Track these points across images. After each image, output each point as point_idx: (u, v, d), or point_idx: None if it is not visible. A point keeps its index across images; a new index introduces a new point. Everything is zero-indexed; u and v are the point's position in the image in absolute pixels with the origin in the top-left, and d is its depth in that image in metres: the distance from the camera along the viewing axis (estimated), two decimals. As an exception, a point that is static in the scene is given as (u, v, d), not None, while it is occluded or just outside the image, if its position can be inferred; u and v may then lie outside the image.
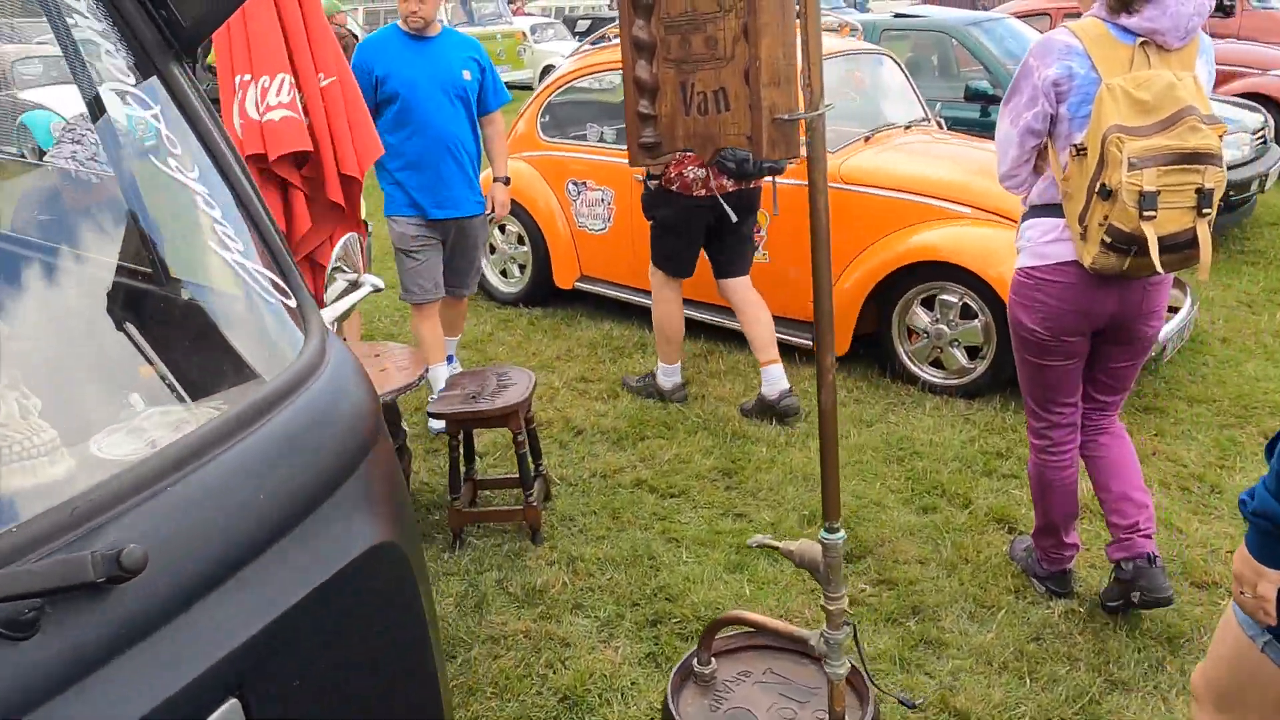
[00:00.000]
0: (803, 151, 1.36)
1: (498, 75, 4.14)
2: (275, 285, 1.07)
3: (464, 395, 3.25)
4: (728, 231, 4.08)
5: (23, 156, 12.47)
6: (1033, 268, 2.49)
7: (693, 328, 5.14)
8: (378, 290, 1.36)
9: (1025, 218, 2.56)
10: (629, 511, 3.43)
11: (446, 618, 2.88)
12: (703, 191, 3.95)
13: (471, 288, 4.32)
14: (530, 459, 3.49)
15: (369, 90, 3.78)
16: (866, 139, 4.71)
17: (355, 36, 7.61)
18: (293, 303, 1.08)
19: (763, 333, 4.14)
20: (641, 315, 5.36)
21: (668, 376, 4.37)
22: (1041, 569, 2.87)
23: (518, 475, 3.46)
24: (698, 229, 4.08)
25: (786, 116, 1.29)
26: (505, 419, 3.21)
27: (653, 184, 4.03)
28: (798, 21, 1.28)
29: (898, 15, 7.97)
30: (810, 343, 4.57)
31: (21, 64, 14.24)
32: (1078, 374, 2.61)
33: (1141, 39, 2.27)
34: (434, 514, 3.47)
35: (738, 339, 4.95)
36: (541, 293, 5.65)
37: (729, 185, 3.95)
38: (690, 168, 3.94)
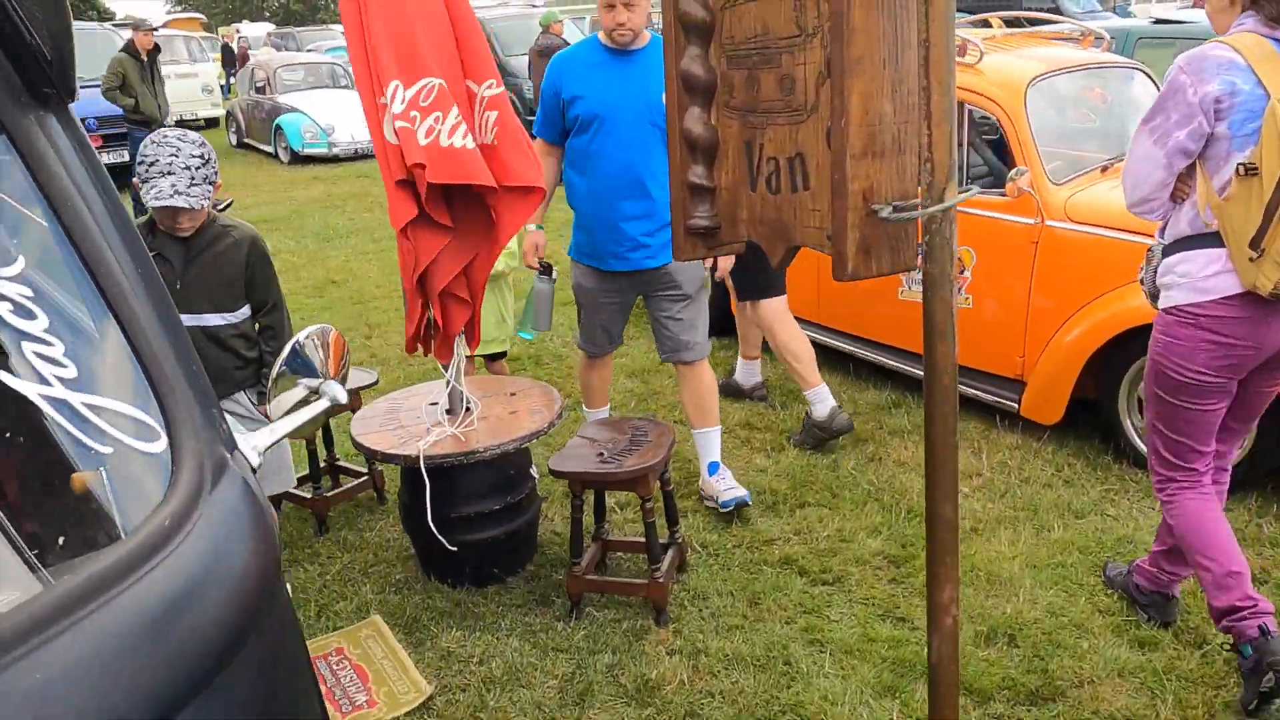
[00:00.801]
0: (918, 264, 0.90)
1: None
2: (126, 424, 0.76)
3: (593, 451, 2.91)
4: None
5: (276, 155, 13.43)
6: (1194, 305, 2.31)
7: (877, 375, 4.58)
8: (338, 407, 1.03)
9: (1170, 250, 2.38)
10: (771, 598, 2.96)
11: (545, 705, 2.55)
12: None
13: (690, 353, 3.39)
14: (666, 524, 3.11)
15: (555, 113, 3.31)
16: (1104, 169, 3.96)
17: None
18: (154, 444, 0.76)
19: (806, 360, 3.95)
20: (832, 358, 4.85)
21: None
22: (1143, 596, 2.77)
23: (662, 540, 3.10)
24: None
25: (888, 211, 0.83)
26: (633, 483, 2.84)
27: None
28: (921, 50, 0.82)
29: (1157, 21, 6.92)
30: (1016, 404, 3.90)
31: (286, 70, 15.45)
32: (1221, 415, 2.44)
33: None
34: (557, 572, 3.16)
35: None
36: (719, 319, 5.24)
37: None
38: None
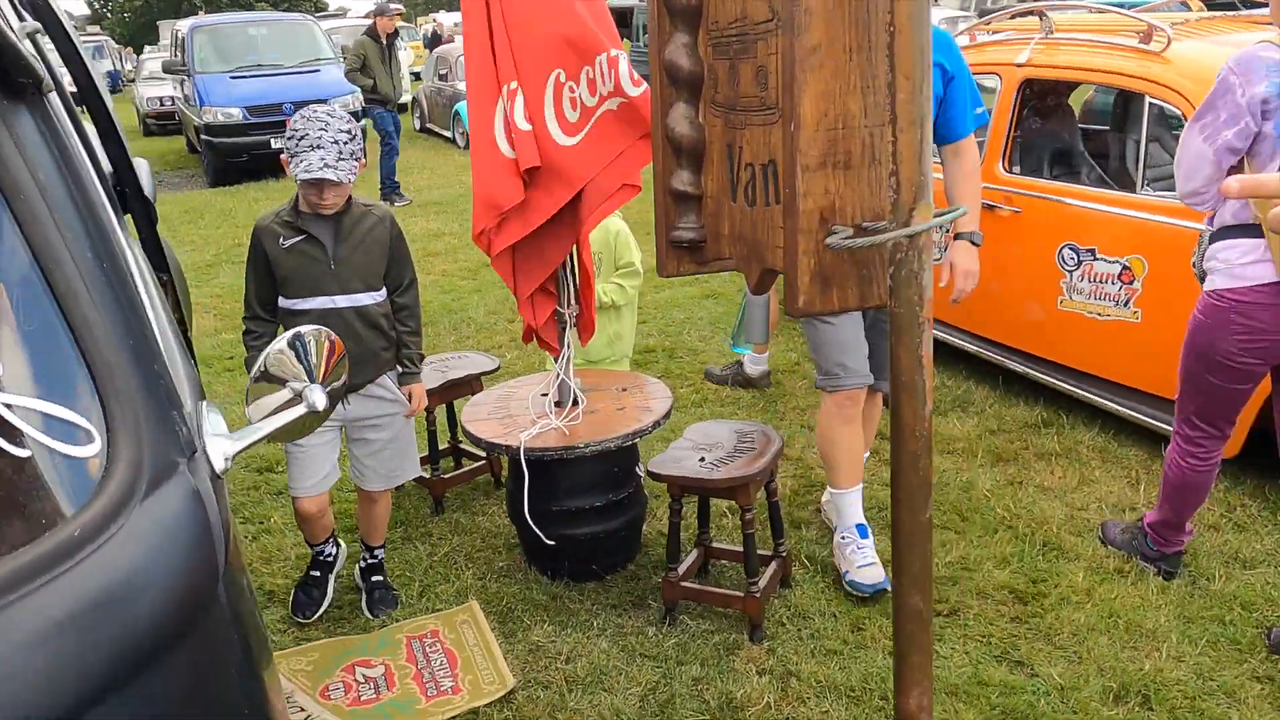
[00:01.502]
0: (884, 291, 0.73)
1: (972, 84, 2.94)
2: (53, 426, 0.73)
3: (694, 455, 2.81)
4: None
5: (454, 140, 13.96)
6: (1230, 290, 2.46)
7: (1029, 391, 4.23)
8: (314, 414, 0.97)
9: (1215, 238, 2.53)
10: (876, 624, 2.77)
11: (624, 712, 2.49)
12: None
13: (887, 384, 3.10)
14: (771, 536, 2.97)
15: None
16: (1310, 171, 3.47)
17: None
18: (85, 448, 0.73)
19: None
20: (979, 369, 4.54)
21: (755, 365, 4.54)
22: (1152, 550, 2.91)
23: (765, 551, 2.98)
24: None
25: (842, 236, 0.67)
26: (732, 491, 2.72)
27: None
28: (885, 36, 0.66)
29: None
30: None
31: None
32: (1249, 395, 2.60)
33: None
34: (657, 575, 3.08)
35: (1085, 410, 3.97)
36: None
37: None
38: None
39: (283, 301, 2.68)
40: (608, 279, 3.53)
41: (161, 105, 17.02)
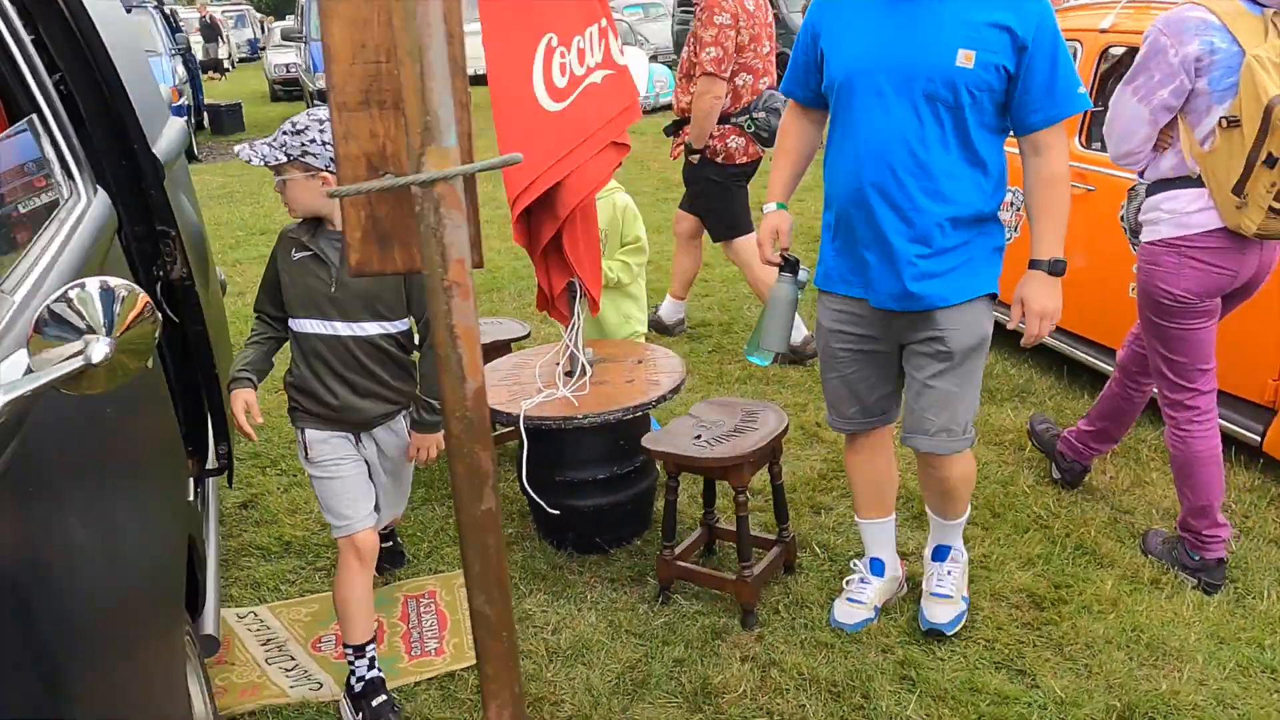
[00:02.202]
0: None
1: (1062, 59, 2.18)
2: None
3: (691, 432, 2.73)
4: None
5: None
6: (1179, 237, 2.56)
7: (1094, 381, 3.95)
8: (90, 367, 0.94)
9: (1154, 189, 2.64)
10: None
11: (596, 689, 2.45)
12: (744, 159, 4.31)
13: (930, 440, 2.40)
14: (776, 520, 2.86)
15: (807, 64, 2.40)
16: None
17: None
18: None
19: None
20: (1044, 358, 4.28)
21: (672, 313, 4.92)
22: (1192, 560, 2.74)
23: (768, 535, 2.89)
24: (740, 190, 4.42)
25: (362, 185, 0.56)
26: (724, 471, 2.63)
27: (694, 158, 4.31)
28: None
29: None
30: (1259, 437, 3.19)
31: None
32: (1214, 334, 2.66)
33: (1272, 9, 2.39)
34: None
35: (1151, 406, 3.68)
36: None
37: (759, 152, 4.32)
38: (731, 138, 4.25)
39: (290, 319, 2.34)
40: (613, 255, 3.46)
41: (287, 71, 17.71)
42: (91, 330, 0.97)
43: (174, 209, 2.59)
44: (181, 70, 12.27)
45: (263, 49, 25.00)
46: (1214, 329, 2.65)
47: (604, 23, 2.53)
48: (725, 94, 4.12)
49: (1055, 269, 2.29)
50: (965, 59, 2.13)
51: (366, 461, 2.42)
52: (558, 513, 2.90)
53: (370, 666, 2.40)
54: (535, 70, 2.50)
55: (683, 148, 4.35)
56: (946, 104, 2.17)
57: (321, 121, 2.21)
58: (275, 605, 2.87)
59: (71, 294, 0.96)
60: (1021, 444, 3.59)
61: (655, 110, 12.34)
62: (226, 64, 24.02)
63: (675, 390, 2.94)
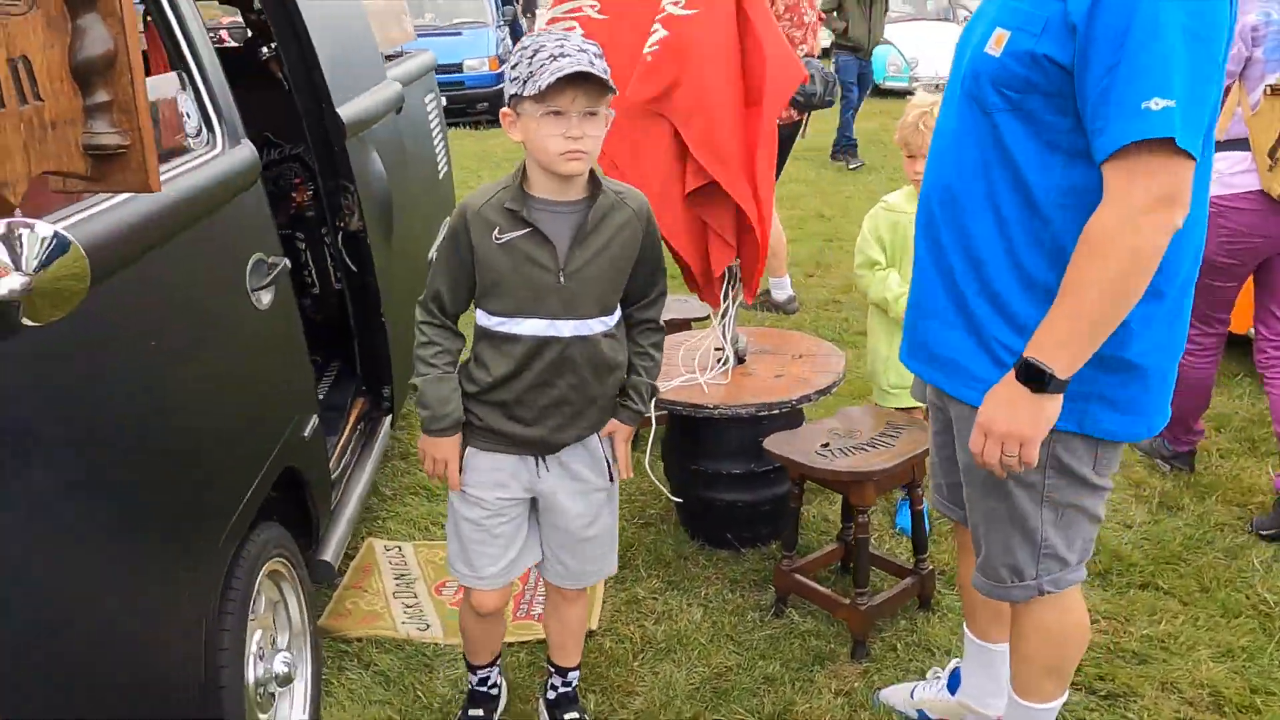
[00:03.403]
0: None
1: (1140, 50, 1.32)
2: None
3: (820, 438, 2.51)
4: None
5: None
6: (1218, 196, 2.56)
7: None
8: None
9: None
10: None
11: (674, 689, 2.35)
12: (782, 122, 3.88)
13: (982, 584, 1.80)
14: (912, 548, 2.58)
15: None
16: None
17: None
18: None
19: None
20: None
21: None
22: (1168, 449, 3.21)
23: (904, 564, 2.63)
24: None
25: None
26: (844, 486, 2.40)
27: None
28: None
29: None
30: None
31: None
32: (1235, 294, 2.97)
33: None
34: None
35: None
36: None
37: (795, 116, 4.29)
38: None
39: (482, 316, 1.88)
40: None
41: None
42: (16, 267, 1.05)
43: (357, 166, 2.79)
44: (509, 40, 13.27)
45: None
46: (1238, 289, 2.95)
47: None
48: None
49: (1029, 374, 1.45)
50: (995, 44, 1.48)
51: (537, 496, 1.98)
52: (679, 500, 2.82)
53: (483, 683, 2.23)
54: None
55: None
56: (982, 109, 1.52)
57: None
58: (419, 544, 3.05)
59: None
60: (1268, 507, 2.95)
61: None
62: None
63: (824, 392, 2.73)
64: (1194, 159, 1.36)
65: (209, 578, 1.75)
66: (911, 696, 2.26)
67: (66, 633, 1.33)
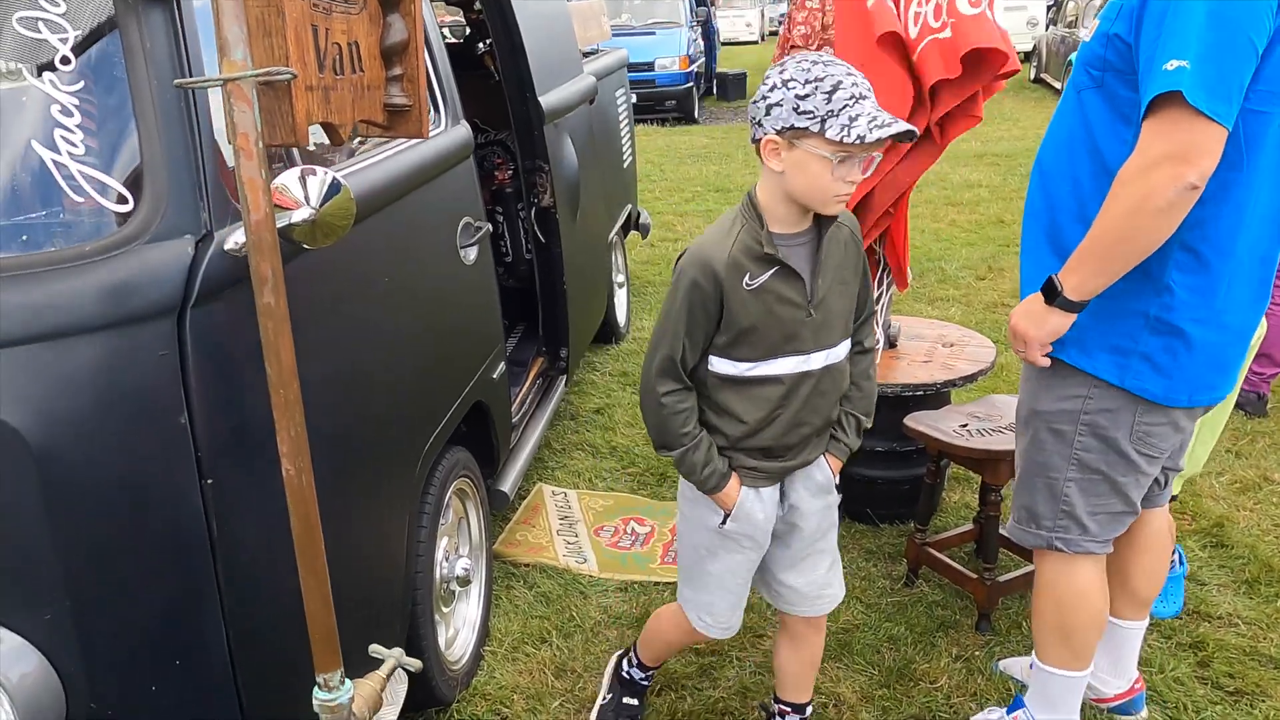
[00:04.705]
0: None
1: (1177, 19, 1.50)
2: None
3: (960, 418, 2.64)
4: None
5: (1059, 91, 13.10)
6: None
7: None
8: (292, 225, 1.33)
9: None
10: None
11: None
12: None
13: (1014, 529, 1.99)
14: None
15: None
16: None
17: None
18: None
19: None
20: None
21: None
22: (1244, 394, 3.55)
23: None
24: None
25: None
26: (979, 464, 2.52)
27: None
28: None
29: None
30: None
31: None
32: None
33: None
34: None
35: None
36: None
37: None
38: None
39: (725, 365, 1.74)
40: None
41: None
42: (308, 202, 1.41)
43: (551, 149, 3.15)
44: (700, 41, 13.62)
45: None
46: None
47: None
48: None
49: (1045, 287, 1.72)
50: (1088, 33, 1.73)
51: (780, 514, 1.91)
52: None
53: (646, 678, 2.27)
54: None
55: None
56: (1075, 90, 1.75)
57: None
58: (583, 492, 3.38)
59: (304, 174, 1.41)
60: None
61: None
62: (754, 36, 25.75)
63: (970, 379, 2.84)
64: (1214, 121, 1.48)
65: (411, 487, 2.10)
66: (1031, 668, 2.36)
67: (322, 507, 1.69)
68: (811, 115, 1.56)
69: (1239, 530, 2.94)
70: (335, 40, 0.99)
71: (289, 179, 1.40)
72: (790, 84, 1.58)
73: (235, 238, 1.40)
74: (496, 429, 2.67)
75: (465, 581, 2.45)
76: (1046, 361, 1.80)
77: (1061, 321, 1.72)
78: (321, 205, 1.42)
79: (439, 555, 2.35)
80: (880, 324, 3.02)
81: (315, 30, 0.94)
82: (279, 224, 1.36)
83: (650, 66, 11.82)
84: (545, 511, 3.26)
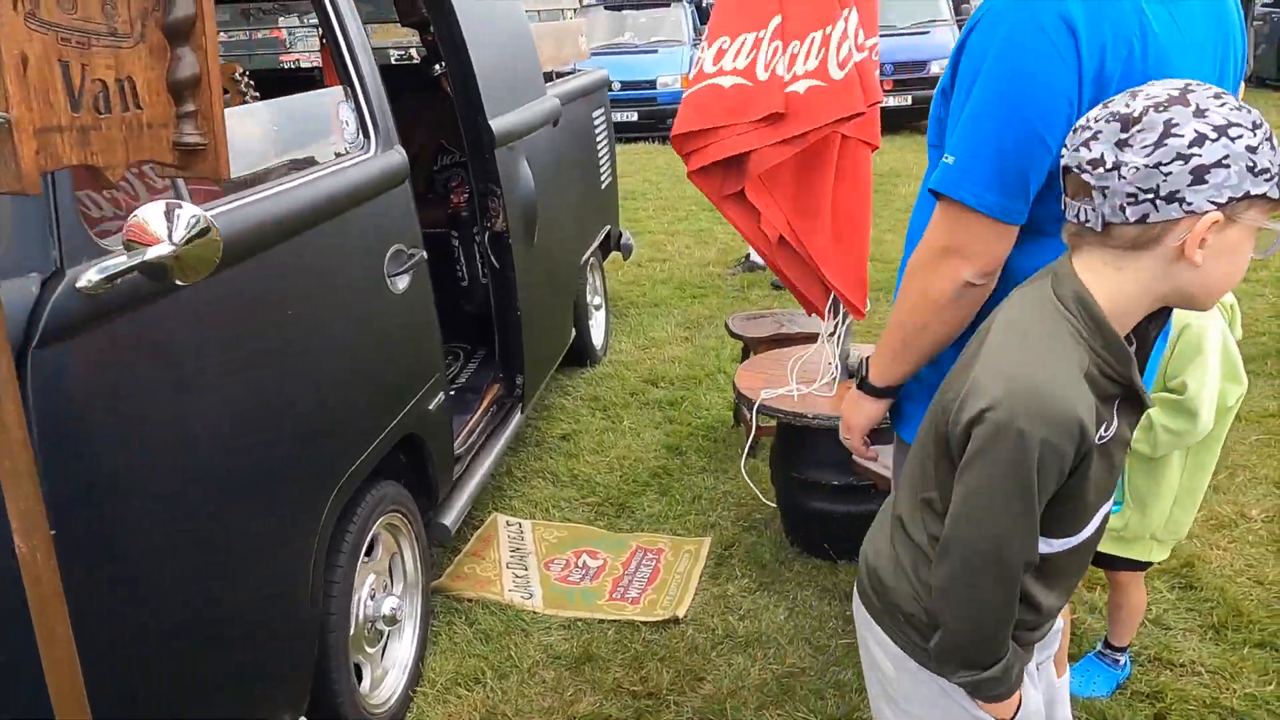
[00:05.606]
0: None
1: (969, 95, 1.34)
2: None
3: (911, 454, 2.55)
4: None
5: None
6: None
7: None
8: (147, 264, 1.26)
9: None
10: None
11: (747, 679, 2.46)
12: None
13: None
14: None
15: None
16: None
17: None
18: None
19: None
20: None
21: None
22: None
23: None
24: None
25: None
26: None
27: None
28: None
29: None
30: None
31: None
32: None
33: None
34: (887, 577, 2.86)
35: None
36: None
37: None
38: None
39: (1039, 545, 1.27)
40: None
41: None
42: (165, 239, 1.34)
43: (504, 173, 3.09)
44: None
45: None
46: None
47: (830, 29, 2.43)
48: None
49: (859, 376, 1.62)
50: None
51: None
52: (773, 504, 2.91)
53: None
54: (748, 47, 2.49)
55: None
56: (930, 144, 1.56)
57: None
58: (538, 523, 3.30)
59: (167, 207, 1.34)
60: None
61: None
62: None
63: (927, 411, 2.75)
64: (988, 216, 1.31)
65: (316, 524, 2.02)
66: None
67: (206, 546, 1.63)
68: (1268, 174, 1.08)
69: (1210, 570, 2.83)
70: (98, 76, 0.92)
71: (151, 213, 1.33)
72: (1234, 130, 1.07)
73: (89, 275, 1.34)
74: (434, 462, 2.60)
75: (393, 621, 2.38)
76: (870, 452, 1.72)
77: (874, 408, 1.60)
78: (185, 244, 1.36)
79: (362, 594, 2.28)
80: (837, 354, 2.94)
81: (66, 66, 0.88)
82: (133, 260, 1.30)
83: (652, 84, 11.78)
84: (497, 543, 3.18)
